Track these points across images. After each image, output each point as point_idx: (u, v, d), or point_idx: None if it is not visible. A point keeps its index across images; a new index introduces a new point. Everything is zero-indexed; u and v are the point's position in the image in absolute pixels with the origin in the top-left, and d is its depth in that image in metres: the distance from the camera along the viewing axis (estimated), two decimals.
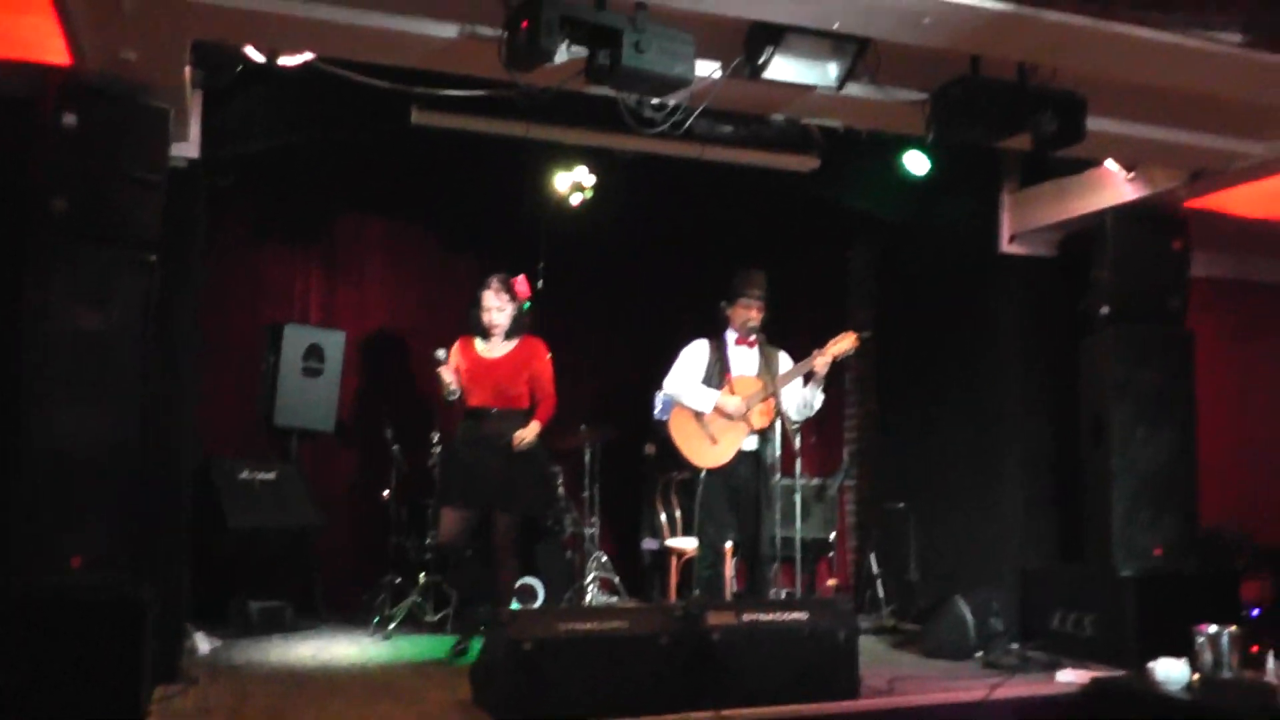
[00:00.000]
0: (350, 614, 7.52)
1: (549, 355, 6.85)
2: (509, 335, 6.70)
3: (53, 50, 4.88)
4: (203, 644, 6.45)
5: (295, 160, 7.52)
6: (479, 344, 6.72)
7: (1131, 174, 6.76)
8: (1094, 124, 5.37)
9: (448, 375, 6.61)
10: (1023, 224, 7.60)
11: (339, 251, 8.55)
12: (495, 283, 6.65)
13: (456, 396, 6.67)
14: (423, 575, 7.46)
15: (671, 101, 5.11)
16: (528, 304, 6.83)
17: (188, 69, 5.29)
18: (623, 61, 4.41)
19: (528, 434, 6.60)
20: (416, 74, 5.70)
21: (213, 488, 7.20)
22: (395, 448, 7.64)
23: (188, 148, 5.83)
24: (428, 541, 7.55)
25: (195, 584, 6.61)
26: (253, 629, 7.12)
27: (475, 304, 6.68)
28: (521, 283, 6.77)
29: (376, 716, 5.03)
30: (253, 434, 8.00)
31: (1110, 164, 6.76)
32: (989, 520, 7.65)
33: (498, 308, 6.62)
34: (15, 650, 4.49)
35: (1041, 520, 7.54)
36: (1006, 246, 7.67)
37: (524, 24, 4.34)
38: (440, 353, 6.63)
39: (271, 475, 7.42)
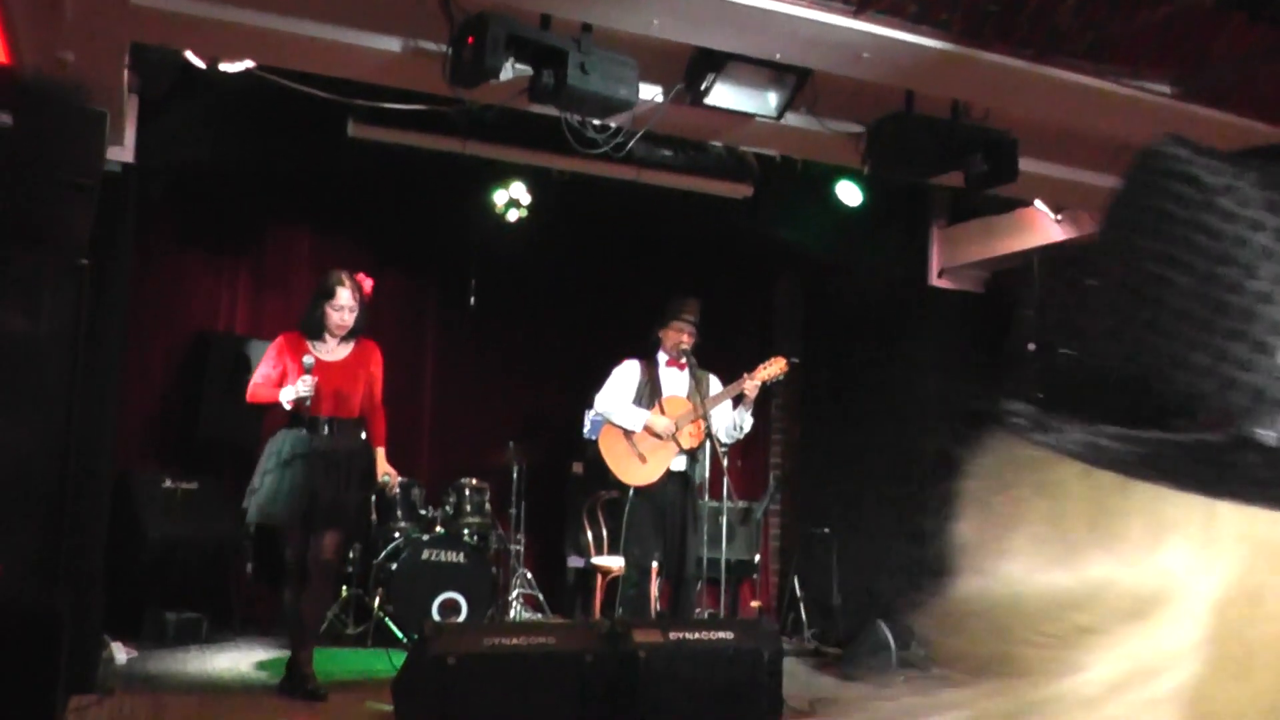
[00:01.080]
0: (268, 626, 7.44)
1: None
2: (347, 337, 6.01)
3: None
4: (119, 654, 6.35)
5: (229, 169, 7.48)
6: (312, 345, 5.91)
7: (1059, 216, 6.92)
8: (1025, 165, 5.50)
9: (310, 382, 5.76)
10: (951, 259, 7.74)
11: (268, 262, 8.47)
12: (348, 279, 5.98)
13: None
14: (344, 589, 7.41)
15: (614, 124, 5.16)
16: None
17: (126, 73, 5.24)
18: (567, 82, 4.46)
19: (393, 475, 6.32)
20: (356, 86, 5.69)
21: (132, 498, 7.10)
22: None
23: (123, 152, 5.79)
24: (349, 555, 7.50)
25: (112, 594, 6.51)
26: (168, 640, 7.02)
27: (322, 299, 5.91)
28: (367, 280, 6.21)
29: None
30: (176, 444, 7.90)
31: (1039, 204, 6.91)
32: (909, 547, 7.75)
33: (350, 307, 5.92)
34: None
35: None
36: (935, 280, 7.81)
37: (469, 40, 4.38)
38: (309, 358, 5.80)
39: (194, 486, 7.32)
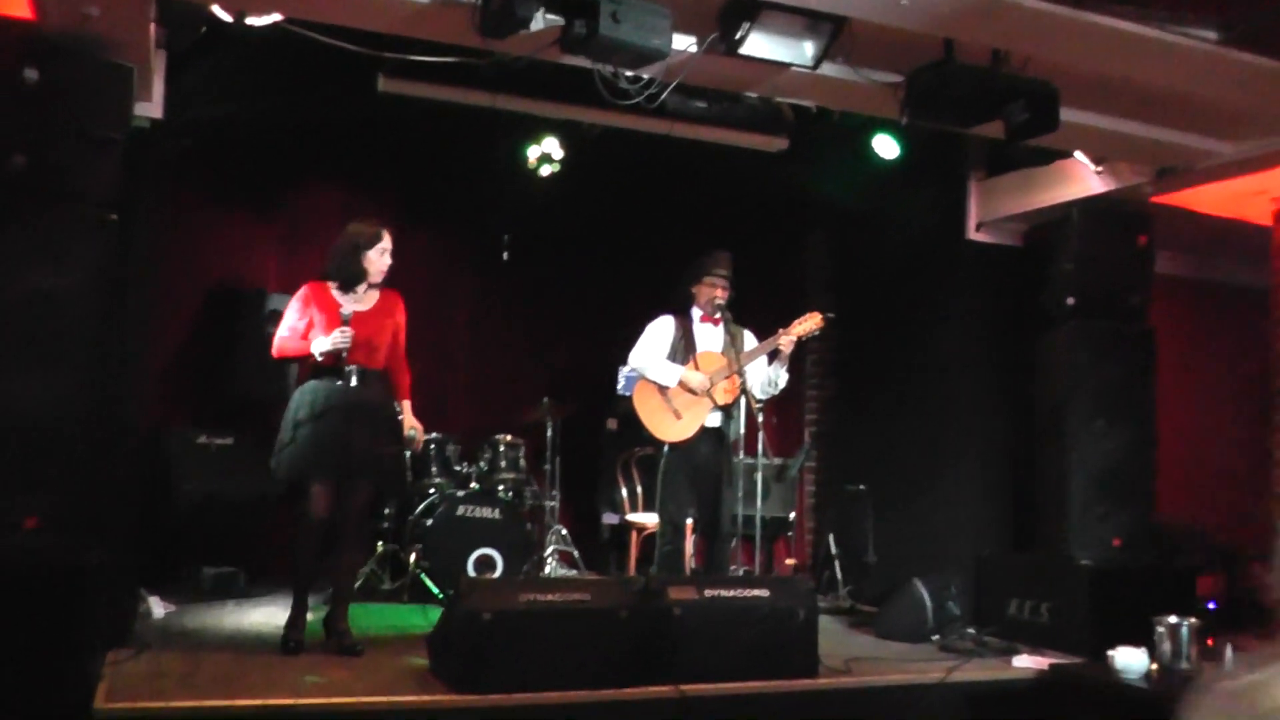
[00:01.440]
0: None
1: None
2: (373, 287, 5.81)
3: (14, 4, 4.78)
4: (156, 609, 6.39)
5: (259, 124, 7.42)
6: (336, 293, 5.72)
7: (1099, 167, 6.79)
8: (1065, 115, 5.40)
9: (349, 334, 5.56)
10: (989, 213, 7.62)
11: (299, 218, 8.44)
12: (385, 228, 5.83)
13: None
14: (380, 545, 7.43)
15: (646, 75, 5.08)
16: None
17: (152, 27, 5.19)
18: (599, 31, 4.39)
19: (419, 430, 6.02)
20: (385, 39, 5.63)
21: (167, 454, 7.13)
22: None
23: (150, 108, 5.74)
24: (386, 511, 7.52)
25: (149, 549, 6.55)
26: (205, 594, 7.06)
27: (364, 247, 5.70)
28: None
29: (331, 684, 4.98)
30: (210, 401, 7.91)
31: (1079, 156, 6.78)
32: (945, 505, 7.70)
33: (391, 251, 5.79)
34: None
35: (996, 508, 7.60)
36: (972, 234, 7.70)
37: None
38: (346, 310, 5.61)
39: (229, 441, 7.33)
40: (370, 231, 5.75)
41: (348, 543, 5.80)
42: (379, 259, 5.74)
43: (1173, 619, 5.71)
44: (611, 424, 8.52)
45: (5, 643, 4.42)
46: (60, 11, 4.71)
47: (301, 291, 5.73)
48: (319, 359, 5.53)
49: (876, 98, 5.50)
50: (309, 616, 5.73)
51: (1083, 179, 6.93)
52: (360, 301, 5.73)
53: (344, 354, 5.53)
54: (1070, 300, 6.93)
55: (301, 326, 5.63)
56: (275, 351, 5.69)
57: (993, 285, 7.72)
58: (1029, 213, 7.37)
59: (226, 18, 5.39)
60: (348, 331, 5.50)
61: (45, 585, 4.54)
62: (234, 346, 7.77)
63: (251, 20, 5.42)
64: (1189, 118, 5.93)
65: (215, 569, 7.19)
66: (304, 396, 5.58)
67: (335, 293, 5.70)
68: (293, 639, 5.61)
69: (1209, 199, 7.00)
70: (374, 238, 5.74)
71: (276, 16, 5.39)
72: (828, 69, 5.25)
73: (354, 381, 5.58)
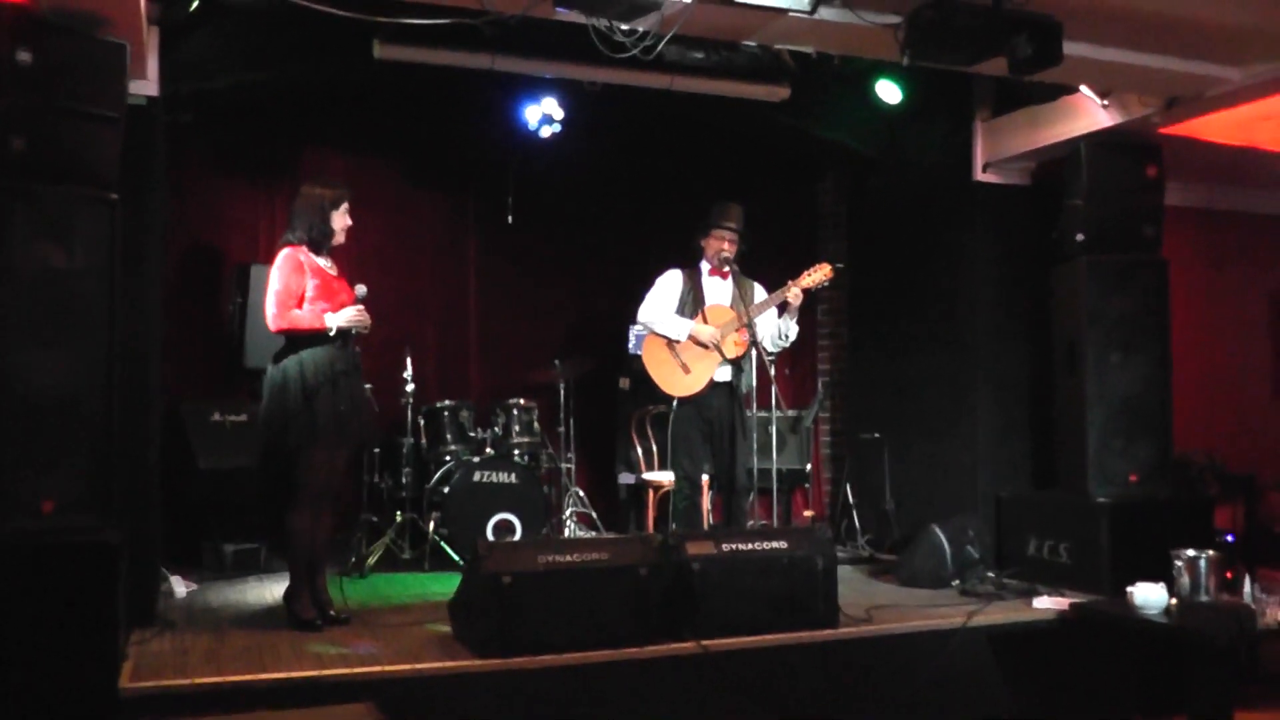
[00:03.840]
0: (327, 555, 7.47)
1: None
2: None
3: None
4: (178, 587, 6.42)
5: (257, 96, 7.38)
6: (315, 258, 5.63)
7: (1106, 101, 6.71)
8: (1069, 48, 5.30)
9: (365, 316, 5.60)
10: (996, 153, 7.55)
11: (303, 187, 8.39)
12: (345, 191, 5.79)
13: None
14: (398, 514, 7.44)
15: (642, 27, 5.01)
16: None
17: (143, 2, 5.15)
18: None
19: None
20: (379, 4, 5.57)
21: (183, 430, 7.13)
22: (367, 386, 7.57)
23: (146, 85, 5.72)
24: (403, 480, 7.52)
25: (169, 527, 6.57)
26: (227, 571, 7.09)
27: (331, 207, 5.64)
28: None
29: (356, 654, 5.00)
30: (222, 376, 7.90)
31: (1085, 90, 6.71)
32: (962, 449, 7.67)
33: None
34: None
35: (1014, 448, 7.57)
36: (980, 175, 7.63)
37: None
38: (361, 288, 5.62)
39: (243, 417, 7.32)
40: (334, 192, 5.68)
41: (330, 507, 5.78)
42: (343, 219, 5.69)
43: (1191, 552, 5.70)
44: (624, 383, 8.49)
45: (30, 624, 4.45)
46: None
47: (288, 256, 5.54)
48: (331, 334, 5.46)
49: (877, 40, 5.41)
50: (330, 589, 5.76)
51: (1089, 113, 6.85)
52: (331, 267, 5.68)
53: (360, 332, 5.54)
54: (1080, 236, 6.88)
55: (298, 295, 5.50)
56: (286, 323, 5.45)
57: (1003, 225, 7.66)
58: (1036, 150, 7.30)
59: None
60: (365, 315, 5.52)
61: (69, 565, 4.56)
62: (241, 320, 7.75)
63: None
64: (1195, 45, 5.84)
65: (236, 546, 7.22)
66: (309, 364, 5.46)
67: (317, 259, 5.60)
68: (317, 615, 5.61)
69: (1219, 127, 6.91)
70: (339, 198, 5.67)
71: None
72: (825, 12, 5.17)
73: (347, 348, 5.58)
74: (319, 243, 5.62)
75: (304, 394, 5.42)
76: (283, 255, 5.54)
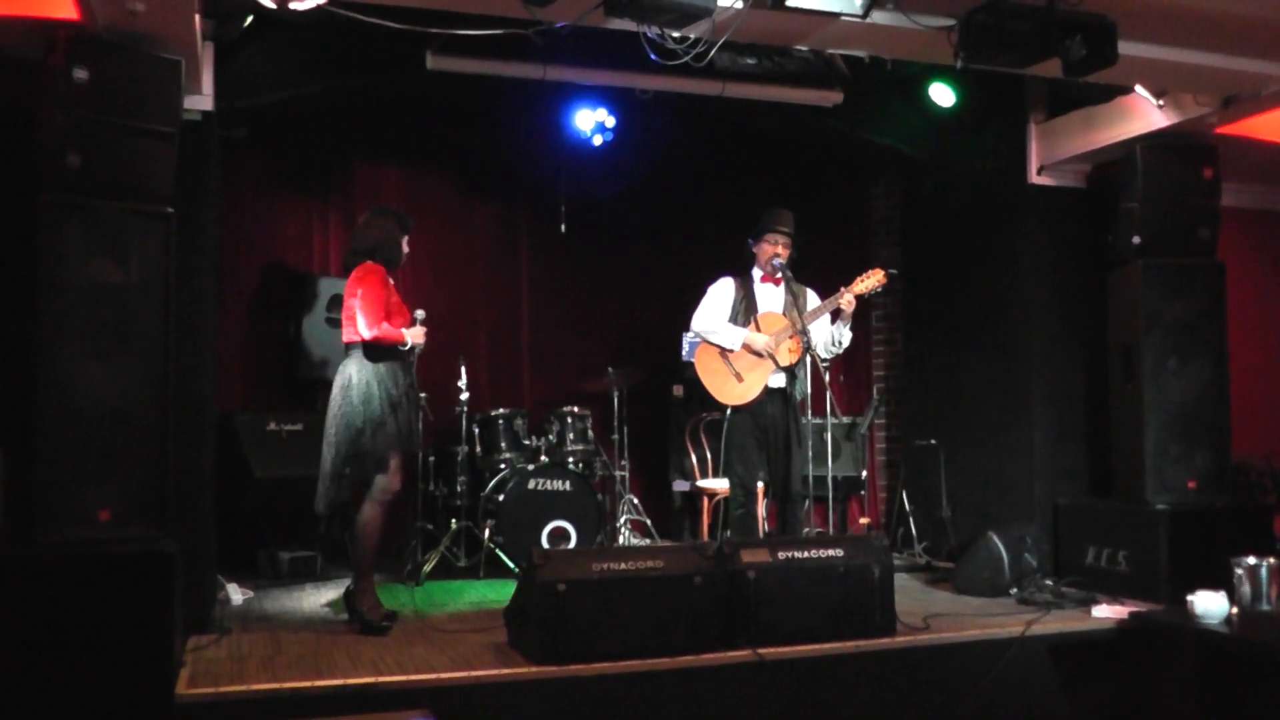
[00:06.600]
0: (381, 562, 7.51)
1: None
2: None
3: (60, 6, 4.81)
4: (235, 595, 6.48)
5: (310, 109, 7.46)
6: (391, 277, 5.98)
7: (1161, 101, 6.62)
8: (1124, 49, 5.24)
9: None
10: (1051, 155, 7.48)
11: (357, 200, 8.44)
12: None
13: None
14: (454, 522, 7.47)
15: (693, 34, 5.01)
16: None
17: (197, 19, 5.21)
18: None
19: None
20: (431, 15, 5.59)
21: (238, 439, 7.19)
22: (422, 395, 7.62)
23: (201, 100, 5.79)
24: (458, 488, 7.55)
25: (226, 536, 6.63)
26: (284, 579, 7.15)
27: (400, 232, 5.97)
28: None
29: (412, 661, 5.03)
30: (277, 386, 7.98)
31: (1140, 91, 6.62)
32: (1018, 455, 7.59)
33: None
34: (47, 605, 4.49)
35: (1071, 455, 7.48)
36: (1035, 178, 7.56)
37: None
38: (420, 312, 5.93)
39: (299, 427, 7.38)
40: (404, 218, 6.00)
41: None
42: (406, 245, 6.00)
43: (1251, 560, 5.61)
44: (677, 390, 8.50)
45: (88, 631, 4.51)
46: (106, 10, 4.73)
47: (377, 272, 5.80)
48: (403, 349, 5.78)
49: (930, 43, 5.37)
50: (385, 597, 5.83)
51: (1145, 114, 6.77)
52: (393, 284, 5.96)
53: (419, 350, 5.88)
54: (1137, 239, 6.80)
55: (387, 309, 5.77)
56: (380, 334, 5.68)
57: (1058, 229, 7.57)
58: (1091, 152, 7.22)
59: (270, 4, 5.37)
60: (422, 332, 5.86)
61: (126, 574, 4.63)
62: (296, 331, 7.82)
63: (295, 5, 5.41)
64: (1251, 42, 5.75)
65: (291, 553, 7.27)
66: (388, 377, 5.74)
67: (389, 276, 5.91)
68: (384, 617, 5.72)
69: (1275, 126, 6.81)
70: (408, 224, 6.01)
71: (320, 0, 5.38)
72: (878, 16, 5.14)
73: (409, 360, 5.90)
74: (391, 265, 5.92)
75: (390, 403, 5.69)
76: (372, 271, 5.79)
